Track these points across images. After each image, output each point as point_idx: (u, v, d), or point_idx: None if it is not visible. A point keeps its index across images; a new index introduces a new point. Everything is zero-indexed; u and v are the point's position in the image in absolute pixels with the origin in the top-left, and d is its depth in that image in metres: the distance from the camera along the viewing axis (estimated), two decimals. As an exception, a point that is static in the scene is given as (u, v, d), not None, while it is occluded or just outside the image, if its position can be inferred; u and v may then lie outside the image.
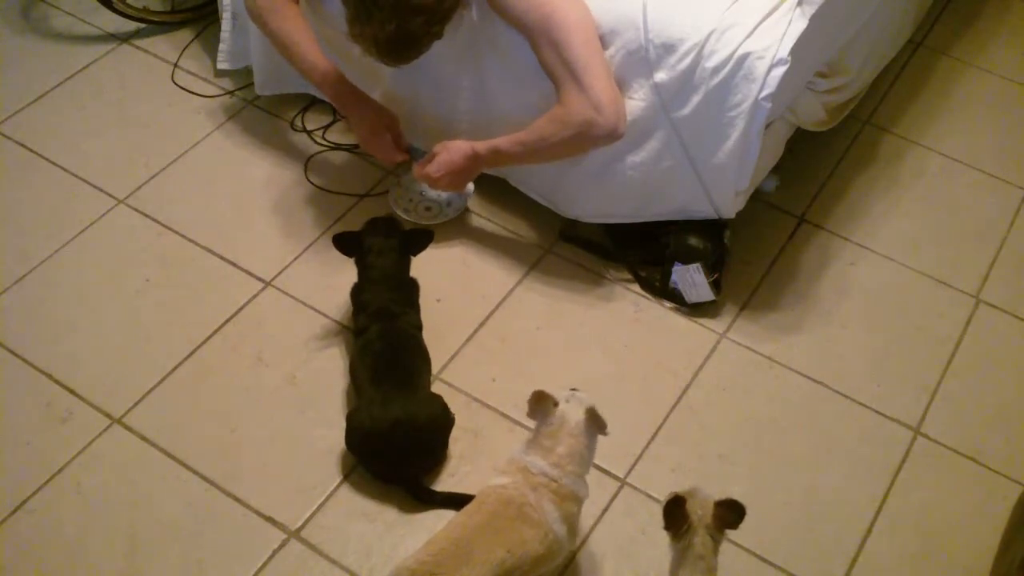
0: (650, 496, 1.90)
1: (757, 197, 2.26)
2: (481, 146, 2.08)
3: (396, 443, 1.83)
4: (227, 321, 2.12)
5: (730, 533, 1.85)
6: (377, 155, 2.25)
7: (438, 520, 1.84)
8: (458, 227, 2.31)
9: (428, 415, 1.87)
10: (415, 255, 2.07)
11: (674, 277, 2.15)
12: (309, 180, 2.38)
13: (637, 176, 2.09)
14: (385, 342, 1.93)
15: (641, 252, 2.23)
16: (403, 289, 2.03)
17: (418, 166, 2.15)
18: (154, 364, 2.05)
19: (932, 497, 1.93)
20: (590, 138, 1.97)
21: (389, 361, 1.91)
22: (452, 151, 2.10)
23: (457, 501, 1.84)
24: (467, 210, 2.33)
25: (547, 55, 1.95)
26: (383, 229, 2.05)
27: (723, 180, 2.03)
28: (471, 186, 2.29)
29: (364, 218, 2.09)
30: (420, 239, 2.06)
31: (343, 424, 1.93)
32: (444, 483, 1.89)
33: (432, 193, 2.32)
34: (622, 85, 2.00)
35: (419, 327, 2.01)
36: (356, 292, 2.03)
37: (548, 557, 1.63)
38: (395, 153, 2.22)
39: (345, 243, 2.04)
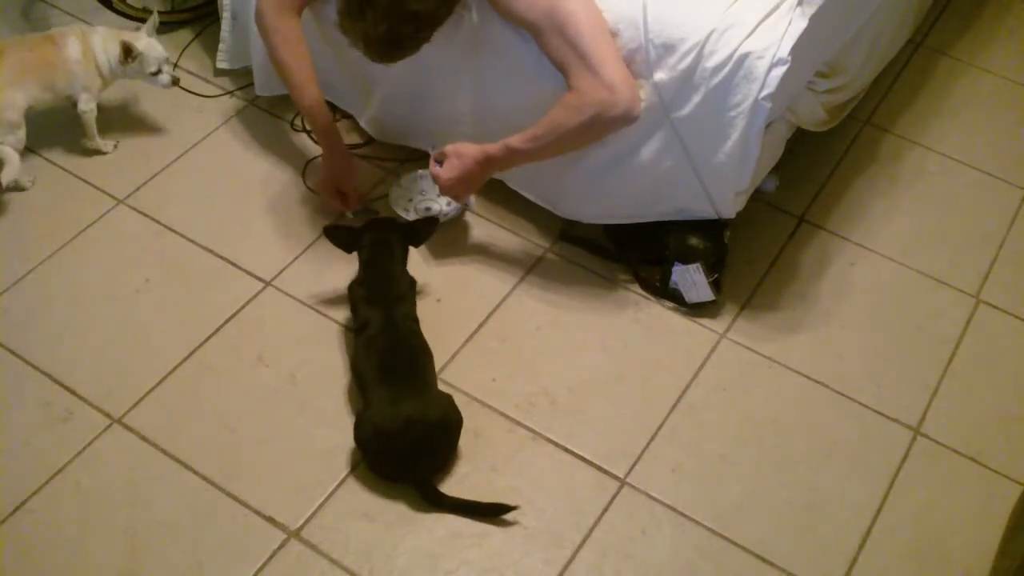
0: (650, 496, 1.90)
1: (757, 197, 2.26)
2: (493, 148, 2.06)
3: (408, 442, 1.83)
4: (227, 321, 2.12)
5: (730, 532, 1.86)
6: (323, 193, 2.30)
7: (439, 520, 1.84)
8: (458, 227, 2.31)
9: (440, 413, 1.87)
10: (419, 244, 2.09)
11: (674, 277, 2.15)
12: (307, 186, 2.37)
13: (637, 176, 2.09)
14: (387, 339, 1.94)
15: (641, 252, 2.23)
16: (400, 281, 2.04)
17: (431, 165, 2.14)
18: (154, 364, 2.05)
19: (932, 497, 1.93)
20: (605, 121, 1.94)
21: (394, 359, 1.92)
22: (464, 156, 2.07)
23: (465, 508, 1.85)
24: (467, 210, 2.33)
25: (555, 44, 1.94)
26: (381, 225, 2.08)
27: (723, 180, 2.03)
28: (472, 196, 2.29)
29: (363, 219, 2.11)
30: (425, 227, 2.09)
31: (343, 424, 1.94)
32: (444, 482, 1.89)
33: (432, 193, 2.32)
34: (622, 84, 1.99)
35: (416, 320, 2.02)
36: (353, 287, 2.06)
37: None
38: (339, 205, 2.28)
39: (337, 235, 2.07)
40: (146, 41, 2.35)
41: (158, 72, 2.36)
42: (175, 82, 2.40)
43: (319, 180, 2.32)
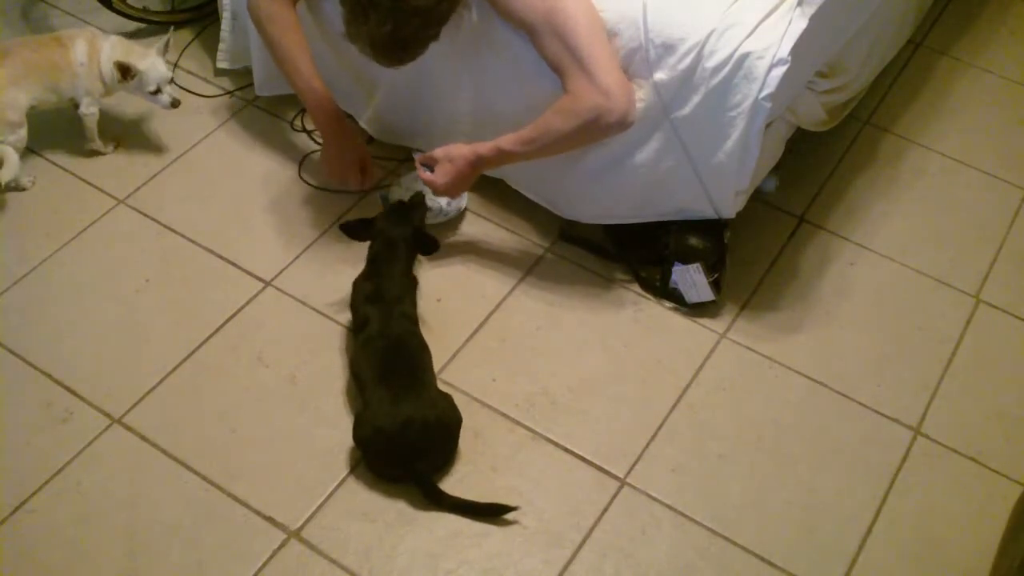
0: (650, 496, 1.90)
1: (757, 197, 2.26)
2: (483, 148, 2.06)
3: (407, 442, 1.83)
4: (227, 321, 2.12)
5: (730, 532, 1.86)
6: (338, 178, 2.31)
7: (439, 520, 1.84)
8: (458, 227, 2.31)
9: (439, 413, 1.87)
10: (428, 254, 2.09)
11: (674, 277, 2.15)
12: (303, 178, 2.37)
13: (637, 176, 2.09)
14: (386, 339, 1.94)
15: (641, 252, 2.23)
16: (401, 281, 2.03)
17: (420, 170, 2.14)
18: (154, 364, 2.05)
19: (932, 497, 1.93)
20: (600, 127, 1.94)
21: (393, 359, 1.92)
22: (455, 158, 2.07)
23: (465, 508, 1.85)
24: (467, 210, 2.33)
25: (552, 47, 1.94)
26: (397, 217, 2.07)
27: (723, 180, 2.03)
28: (465, 194, 2.29)
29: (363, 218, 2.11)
30: (428, 243, 2.07)
31: (343, 424, 1.94)
32: (444, 482, 1.89)
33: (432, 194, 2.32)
34: (622, 85, 1.99)
35: (415, 320, 2.02)
36: (358, 282, 2.05)
37: None
38: (358, 181, 2.29)
39: (353, 229, 2.07)
40: (151, 60, 2.32)
41: (158, 91, 2.33)
42: (175, 104, 2.36)
43: (332, 169, 2.30)
